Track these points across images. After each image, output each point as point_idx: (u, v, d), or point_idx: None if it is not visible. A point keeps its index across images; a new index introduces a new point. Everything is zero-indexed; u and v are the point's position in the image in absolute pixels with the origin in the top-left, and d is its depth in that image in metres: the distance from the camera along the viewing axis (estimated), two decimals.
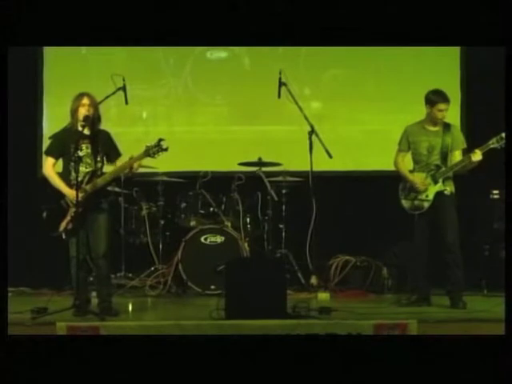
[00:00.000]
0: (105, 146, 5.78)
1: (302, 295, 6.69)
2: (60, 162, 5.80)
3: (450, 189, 6.15)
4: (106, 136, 5.84)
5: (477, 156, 5.91)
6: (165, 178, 7.40)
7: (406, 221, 6.21)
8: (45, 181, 5.79)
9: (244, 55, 8.04)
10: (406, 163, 6.35)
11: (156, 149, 5.59)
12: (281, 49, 7.80)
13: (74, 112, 5.68)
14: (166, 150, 5.62)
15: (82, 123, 5.64)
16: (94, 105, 5.72)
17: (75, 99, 5.70)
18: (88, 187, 5.64)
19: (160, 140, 5.61)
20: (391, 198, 6.34)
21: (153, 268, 7.22)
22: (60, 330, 4.99)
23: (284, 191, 7.43)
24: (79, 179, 5.56)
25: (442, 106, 6.09)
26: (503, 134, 5.76)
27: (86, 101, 5.66)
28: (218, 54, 8.12)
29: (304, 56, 7.99)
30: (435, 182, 6.12)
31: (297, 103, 6.78)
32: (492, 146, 5.89)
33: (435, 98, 6.10)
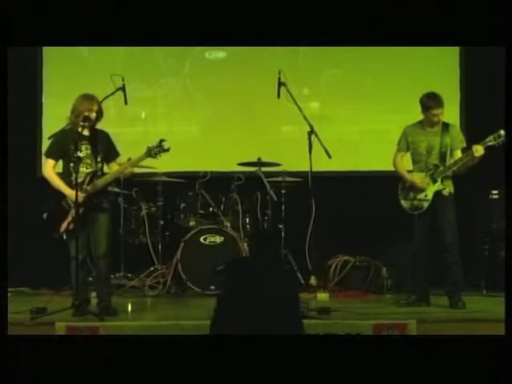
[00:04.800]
0: (104, 146, 5.78)
1: (302, 295, 6.68)
2: (60, 162, 5.80)
3: (449, 189, 6.14)
4: (105, 136, 5.84)
5: (479, 151, 5.83)
6: (164, 178, 7.39)
7: (406, 221, 6.22)
8: (45, 181, 5.79)
9: (243, 55, 8.03)
10: (405, 163, 6.35)
11: (157, 149, 5.61)
12: (280, 49, 7.78)
13: (77, 113, 5.64)
14: (167, 150, 5.64)
15: (82, 124, 5.63)
16: (99, 108, 5.71)
17: (81, 101, 5.66)
18: (89, 187, 5.64)
19: (161, 141, 5.63)
20: (391, 198, 6.34)
21: (152, 268, 7.22)
22: (59, 330, 5.00)
23: (283, 191, 7.41)
24: (80, 180, 5.57)
25: (435, 111, 6.05)
26: (501, 132, 5.73)
27: (94, 106, 5.64)
28: (217, 53, 8.11)
29: (303, 56, 7.99)
30: (434, 182, 6.11)
31: (296, 103, 6.76)
32: (489, 144, 5.84)
33: (429, 103, 6.06)
